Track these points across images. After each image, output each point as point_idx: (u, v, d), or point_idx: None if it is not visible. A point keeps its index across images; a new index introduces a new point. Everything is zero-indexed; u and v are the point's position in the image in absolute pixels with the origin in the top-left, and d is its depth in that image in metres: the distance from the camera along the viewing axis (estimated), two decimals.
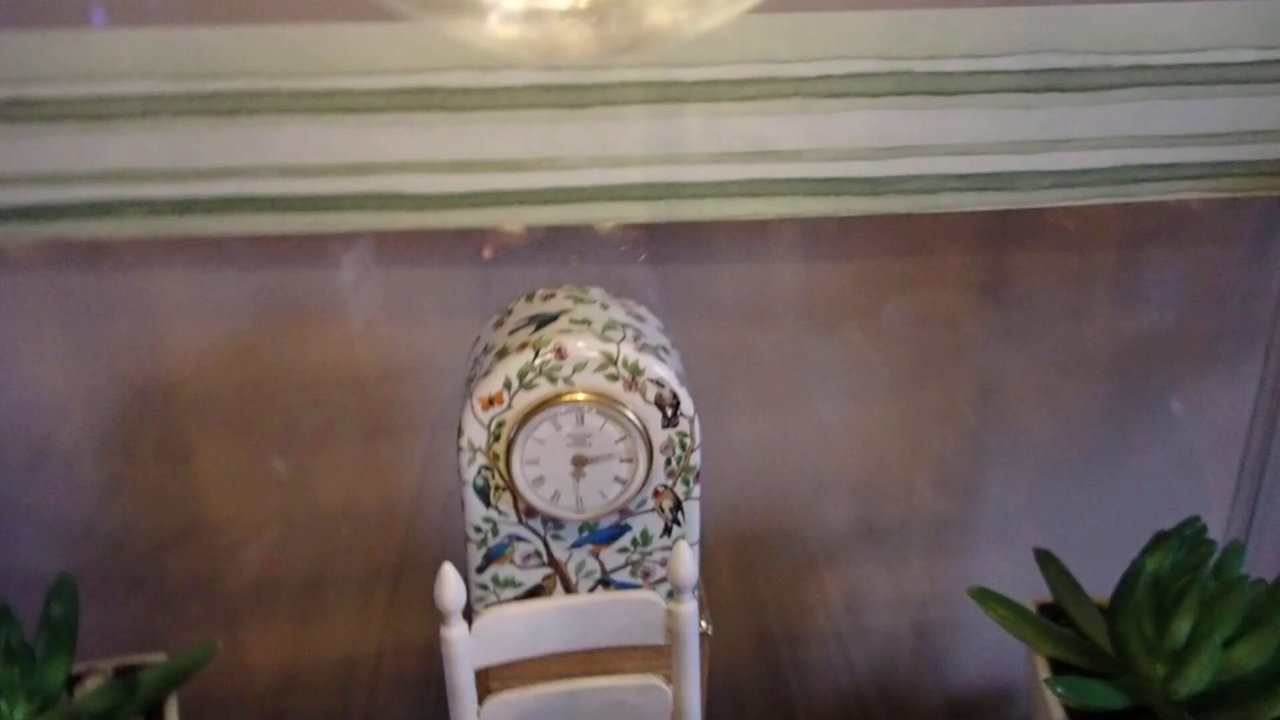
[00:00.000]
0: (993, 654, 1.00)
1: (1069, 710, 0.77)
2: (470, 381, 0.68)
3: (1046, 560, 0.86)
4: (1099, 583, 0.83)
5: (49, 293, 0.84)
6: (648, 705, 0.66)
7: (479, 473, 0.67)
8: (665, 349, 0.69)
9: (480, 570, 0.70)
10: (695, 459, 0.68)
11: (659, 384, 0.68)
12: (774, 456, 0.93)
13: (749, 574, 0.97)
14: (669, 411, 0.68)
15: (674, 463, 0.69)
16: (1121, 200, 0.81)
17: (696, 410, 0.69)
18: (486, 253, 0.85)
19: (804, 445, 0.93)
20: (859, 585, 0.99)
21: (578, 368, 0.67)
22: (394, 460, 0.90)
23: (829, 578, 0.98)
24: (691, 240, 0.86)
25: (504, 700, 0.66)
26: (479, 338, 0.76)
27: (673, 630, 0.65)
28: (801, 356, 0.91)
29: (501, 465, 0.67)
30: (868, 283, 0.89)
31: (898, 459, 0.95)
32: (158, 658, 0.82)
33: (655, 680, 0.66)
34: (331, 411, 0.89)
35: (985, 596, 0.83)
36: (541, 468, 0.66)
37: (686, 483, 0.69)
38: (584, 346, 0.65)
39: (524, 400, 0.66)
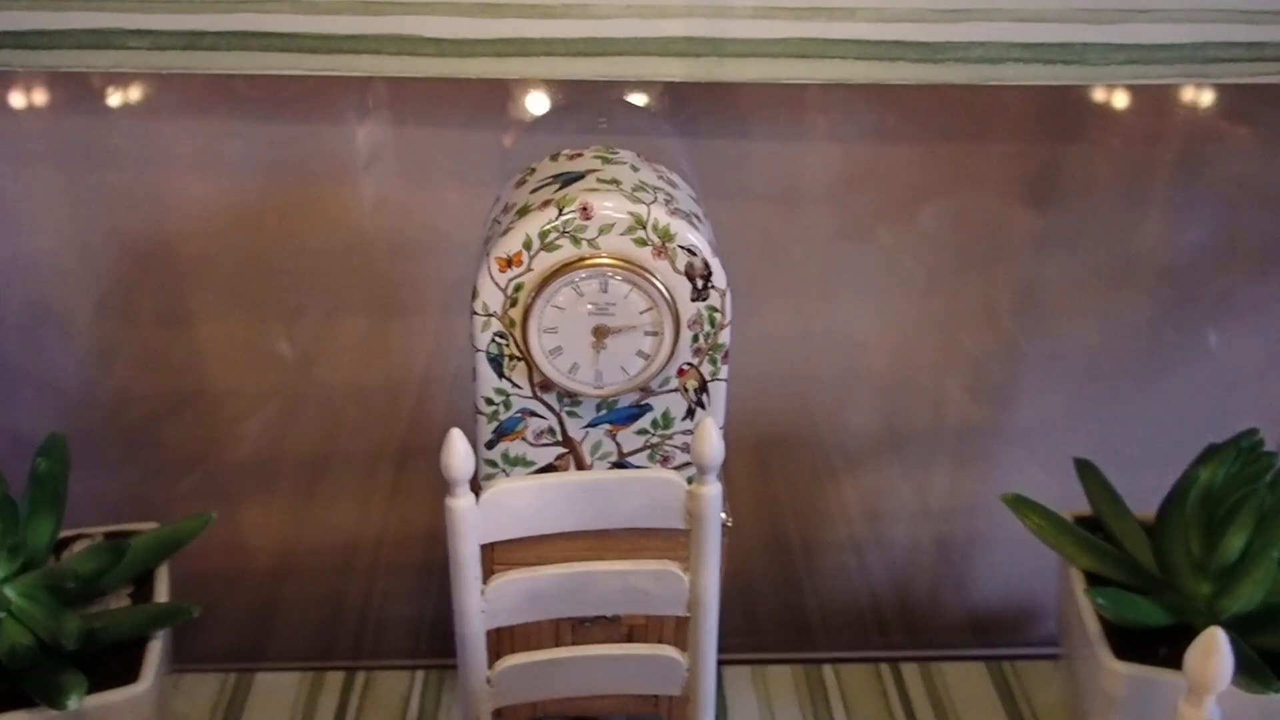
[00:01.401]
0: (1019, 569, 0.97)
1: (1105, 625, 0.73)
2: (488, 241, 0.68)
3: (1086, 471, 0.82)
4: (1139, 498, 0.80)
5: (46, 138, 0.80)
6: (662, 592, 0.63)
7: (493, 340, 0.65)
8: (698, 217, 0.68)
9: (490, 446, 0.69)
10: (725, 336, 0.67)
11: (691, 252, 0.65)
12: (799, 354, 0.91)
13: (768, 476, 0.95)
14: (699, 283, 0.65)
15: (702, 339, 0.67)
16: (1197, 80, 0.76)
17: (729, 285, 0.66)
18: (506, 141, 0.82)
19: (831, 344, 0.91)
20: (881, 493, 0.96)
21: (604, 229, 0.64)
22: (403, 340, 0.88)
23: (850, 484, 0.96)
24: (725, 113, 0.82)
25: (510, 579, 0.63)
26: (498, 198, 0.72)
27: (694, 514, 0.61)
28: (833, 248, 0.88)
29: (517, 333, 0.65)
30: (908, 171, 0.85)
31: (929, 363, 0.92)
32: (150, 526, 0.80)
33: (671, 566, 0.63)
34: (340, 285, 0.86)
35: (1021, 504, 0.79)
36: (560, 337, 0.64)
37: (714, 362, 0.67)
38: (612, 207, 0.63)
39: (545, 262, 0.64)
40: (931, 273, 0.89)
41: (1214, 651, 0.45)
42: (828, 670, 0.93)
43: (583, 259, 0.63)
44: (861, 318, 0.90)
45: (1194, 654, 0.46)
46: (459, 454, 0.57)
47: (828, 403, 0.92)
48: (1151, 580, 0.74)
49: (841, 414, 0.93)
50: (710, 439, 0.59)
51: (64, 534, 0.77)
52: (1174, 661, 0.63)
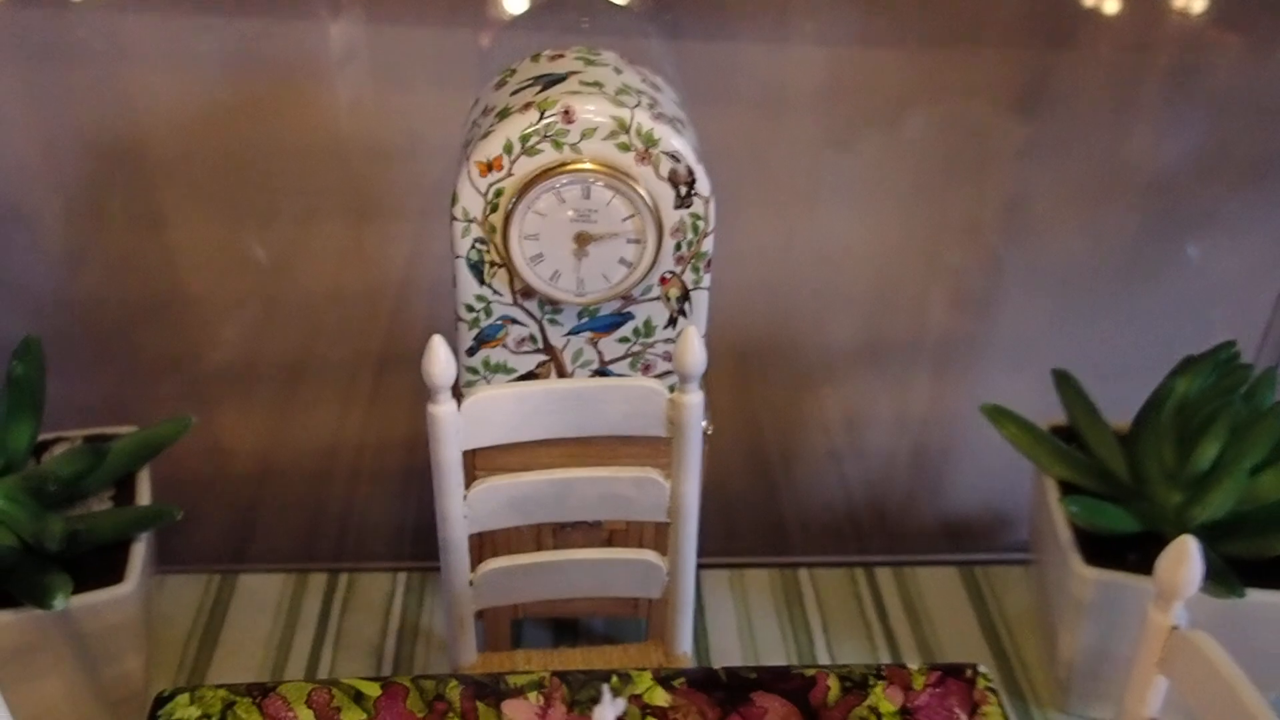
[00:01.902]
0: (993, 478, 0.98)
1: (1077, 532, 0.74)
2: (467, 145, 0.67)
3: (1063, 381, 0.82)
4: (1117, 410, 0.80)
5: (6, 31, 0.77)
6: (643, 498, 0.64)
7: (473, 246, 0.66)
8: (682, 122, 0.68)
9: (471, 353, 0.70)
10: (708, 245, 0.67)
11: (674, 158, 0.65)
12: (781, 264, 0.90)
13: (747, 387, 0.95)
14: (683, 190, 0.65)
15: (684, 247, 0.67)
16: None
17: (713, 193, 0.65)
18: (485, 41, 0.80)
19: (814, 254, 0.90)
20: (860, 404, 0.97)
21: (586, 134, 0.63)
22: (381, 245, 0.87)
23: (830, 394, 0.96)
24: (711, 15, 0.80)
25: (492, 485, 0.63)
26: (477, 100, 0.71)
27: (675, 422, 0.62)
28: (818, 157, 0.87)
29: (498, 239, 0.66)
30: (895, 77, 0.84)
31: (912, 274, 0.92)
32: (129, 430, 0.79)
33: (653, 473, 0.63)
34: (315, 189, 0.85)
35: (998, 414, 0.80)
36: (541, 244, 0.66)
37: (696, 270, 0.68)
38: (594, 111, 0.63)
39: (526, 167, 0.64)
40: (916, 183, 0.88)
41: (1185, 559, 0.46)
42: (803, 574, 0.94)
43: (564, 164, 0.63)
44: (845, 228, 0.89)
45: (1164, 561, 0.47)
46: (440, 360, 0.57)
47: (809, 313, 0.92)
48: (1124, 489, 0.75)
49: (823, 325, 0.92)
50: (693, 347, 0.59)
51: (43, 437, 0.76)
52: (1143, 568, 0.64)
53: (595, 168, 0.63)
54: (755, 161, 0.86)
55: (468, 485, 0.62)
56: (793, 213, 0.89)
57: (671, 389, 0.61)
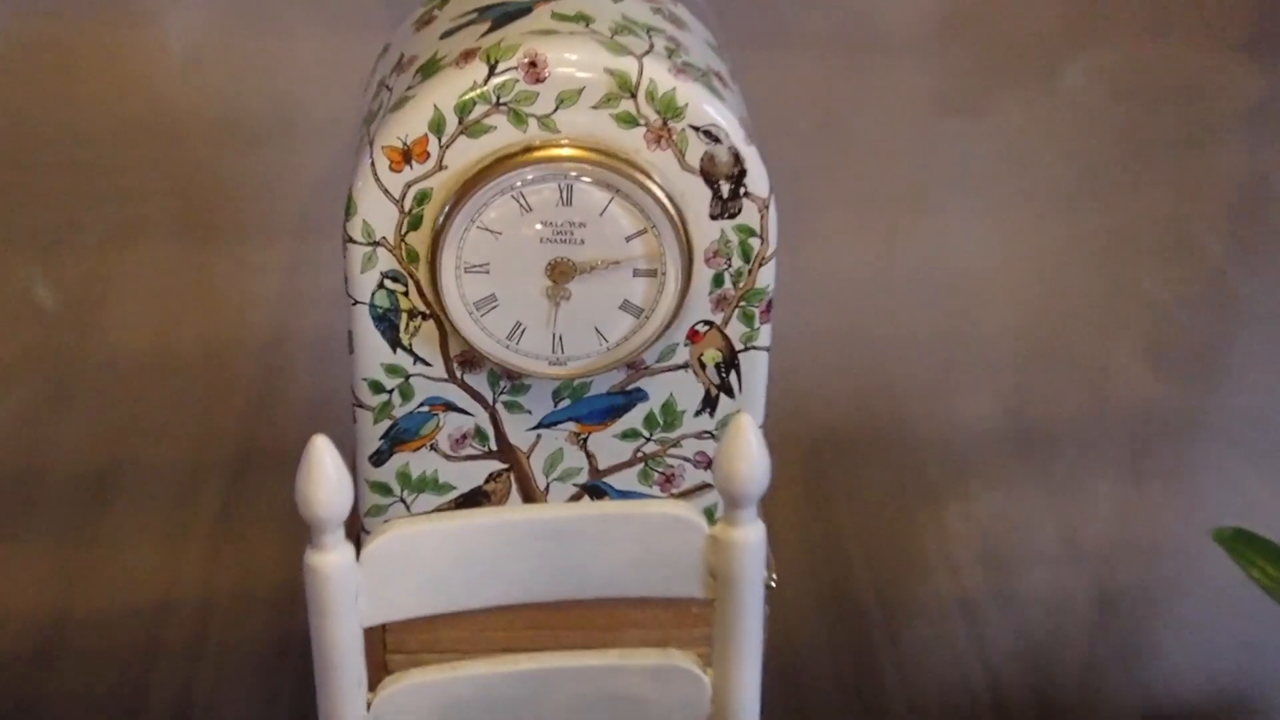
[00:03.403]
0: (1227, 640, 0.98)
1: None
2: (370, 120, 0.66)
3: None
4: None
5: None
6: (665, 699, 0.62)
7: (381, 285, 0.65)
8: (721, 77, 0.66)
9: (378, 460, 0.69)
10: (767, 276, 0.66)
11: (711, 135, 0.63)
12: (874, 302, 0.92)
13: (825, 500, 0.96)
14: (726, 188, 0.64)
15: (729, 281, 0.66)
16: None
17: (773, 190, 0.64)
18: None
19: (926, 286, 0.91)
20: (1005, 523, 0.98)
21: (565, 99, 0.62)
22: (233, 281, 0.88)
23: (956, 509, 0.97)
24: None
25: (414, 683, 0.61)
26: (388, 47, 0.70)
27: (719, 573, 0.59)
28: (927, 130, 0.89)
29: (423, 272, 0.65)
30: (1040, 6, 0.86)
31: (1083, 313, 0.93)
32: None
33: (681, 659, 0.61)
34: (131, 190, 0.86)
35: (1239, 542, 0.77)
36: (494, 279, 0.65)
37: (749, 318, 0.67)
38: (578, 60, 0.63)
39: (467, 155, 0.63)
40: (1086, 168, 0.90)
41: None
42: None
43: (530, 149, 0.62)
44: (973, 243, 0.91)
45: None
46: (326, 478, 0.55)
47: (922, 380, 0.93)
48: None
49: (943, 398, 0.94)
50: (748, 448, 0.57)
51: None
52: None
53: (581, 154, 0.62)
54: (831, 137, 0.88)
55: (373, 683, 0.59)
56: (892, 218, 0.91)
57: (712, 517, 0.60)
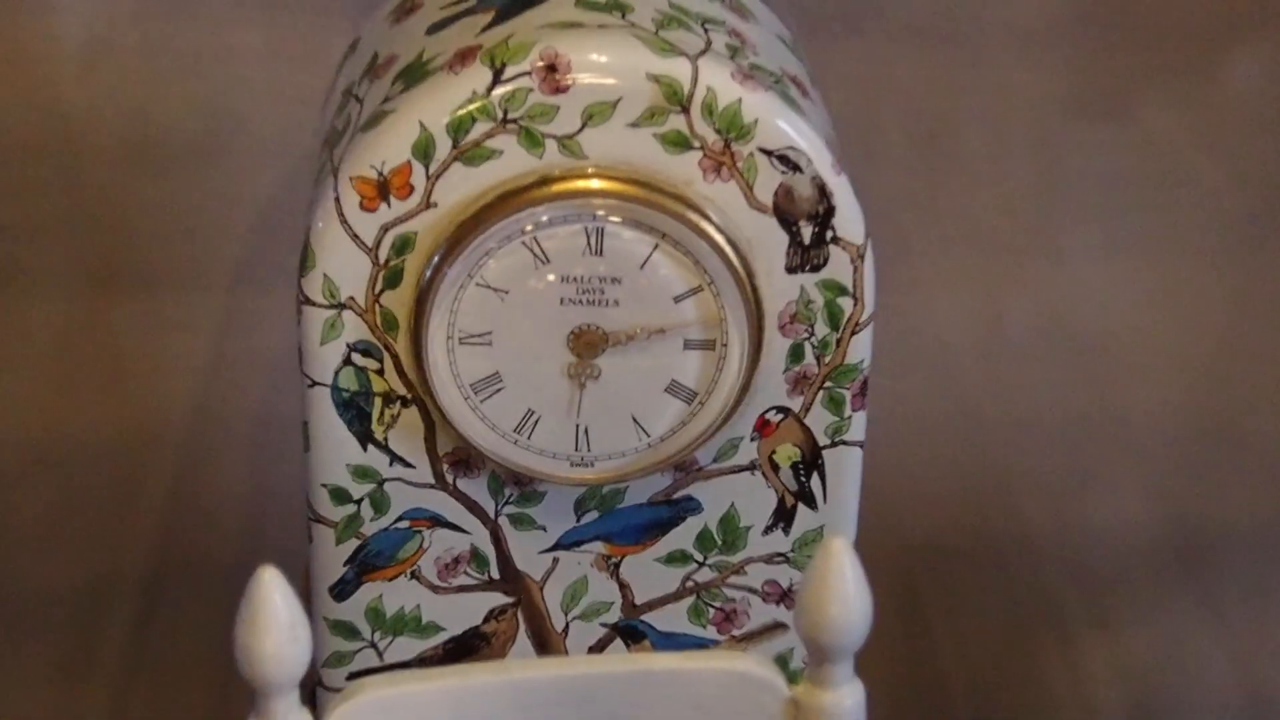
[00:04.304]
0: None
1: None
2: (334, 142, 0.66)
3: None
4: None
5: None
6: None
7: (347, 361, 0.65)
8: (799, 83, 0.66)
9: (341, 593, 0.69)
10: (862, 347, 0.66)
11: (789, 163, 0.62)
12: (984, 373, 0.92)
13: (922, 627, 0.96)
14: (808, 230, 0.63)
15: (812, 353, 0.65)
16: None
17: (869, 234, 0.63)
18: None
19: (1049, 349, 0.92)
20: (1156, 661, 0.97)
21: (594, 114, 0.62)
22: (145, 339, 0.89)
23: (1091, 642, 0.96)
24: None
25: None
26: (356, 43, 0.70)
27: None
28: (1051, 153, 0.89)
29: (403, 343, 0.64)
30: None
31: (1256, 388, 0.94)
32: None
33: None
34: (13, 224, 0.87)
35: None
36: (497, 354, 0.64)
37: (837, 404, 0.67)
38: (611, 63, 0.62)
39: (462, 187, 0.63)
40: (1256, 194, 0.91)
41: None
42: None
43: (548, 181, 0.62)
44: (1115, 292, 0.92)
45: None
46: (276, 624, 0.53)
47: (1048, 475, 0.93)
48: None
49: (1077, 497, 0.94)
50: (843, 587, 0.55)
51: None
52: None
53: (614, 187, 0.62)
54: (929, 157, 0.90)
55: None
56: (1008, 261, 0.92)
57: (787, 666, 0.61)
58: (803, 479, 0.68)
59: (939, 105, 0.88)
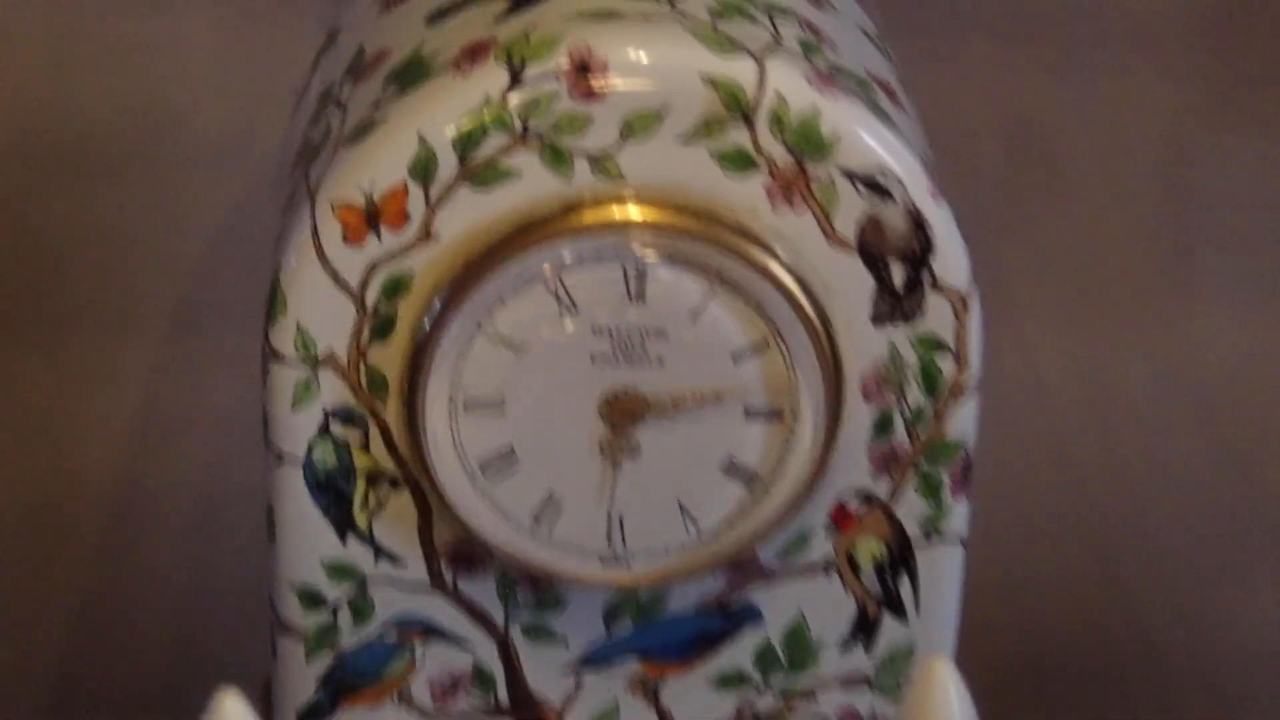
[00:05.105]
0: None
1: None
2: (309, 158, 0.66)
3: None
4: None
5: None
6: None
7: (324, 431, 0.65)
8: (888, 89, 0.67)
9: (312, 718, 0.69)
10: (966, 420, 0.66)
11: (877, 187, 0.62)
12: (1096, 441, 0.93)
13: None
14: (900, 271, 0.63)
15: (903, 426, 0.65)
16: None
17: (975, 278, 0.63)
18: None
19: (1175, 413, 0.93)
20: None
21: (635, 126, 0.62)
22: (66, 393, 0.89)
23: None
24: None
25: None
26: (335, 35, 0.71)
27: None
28: (1175, 172, 0.90)
29: (393, 409, 0.64)
30: None
31: None
32: None
33: None
34: None
35: None
36: (514, 422, 0.64)
37: (933, 489, 0.67)
38: (655, 63, 0.62)
39: (470, 216, 0.62)
40: None
41: None
42: None
43: (577, 208, 0.62)
44: (1256, 341, 0.93)
45: None
46: None
47: (1177, 568, 0.94)
48: None
49: (1212, 596, 0.94)
50: (947, 713, 0.55)
51: None
52: None
53: (659, 217, 0.62)
54: (1030, 177, 0.91)
55: None
56: (1125, 303, 0.93)
57: None
58: (890, 583, 0.68)
59: (1041, 116, 0.88)
